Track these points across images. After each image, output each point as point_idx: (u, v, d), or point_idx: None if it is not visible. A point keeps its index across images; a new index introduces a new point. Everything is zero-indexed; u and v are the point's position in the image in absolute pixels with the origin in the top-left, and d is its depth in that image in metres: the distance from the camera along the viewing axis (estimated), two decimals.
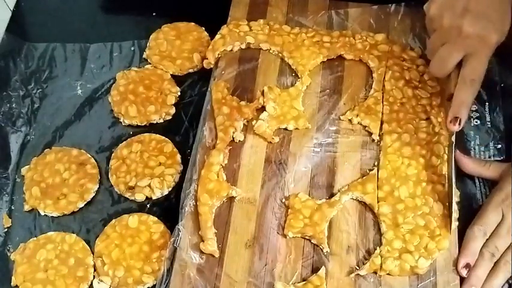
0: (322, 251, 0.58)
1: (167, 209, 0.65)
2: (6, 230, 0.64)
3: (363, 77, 0.69)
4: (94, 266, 0.61)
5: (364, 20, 0.73)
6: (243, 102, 0.67)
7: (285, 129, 0.65)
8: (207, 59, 0.70)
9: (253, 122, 0.65)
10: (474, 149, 0.66)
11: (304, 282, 0.57)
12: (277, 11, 0.74)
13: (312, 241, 0.59)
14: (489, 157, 0.65)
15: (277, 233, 0.59)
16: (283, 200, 0.61)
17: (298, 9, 0.74)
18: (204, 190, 0.61)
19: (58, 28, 0.80)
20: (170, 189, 0.66)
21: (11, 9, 0.81)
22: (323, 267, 0.57)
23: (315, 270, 0.57)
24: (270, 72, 0.69)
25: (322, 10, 0.74)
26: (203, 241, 0.58)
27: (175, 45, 0.75)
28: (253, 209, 0.61)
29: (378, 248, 0.58)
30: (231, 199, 0.61)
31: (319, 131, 0.65)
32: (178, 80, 0.73)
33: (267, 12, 0.74)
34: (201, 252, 0.58)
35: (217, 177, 0.62)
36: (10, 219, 0.65)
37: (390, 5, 0.74)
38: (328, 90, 0.68)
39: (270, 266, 0.58)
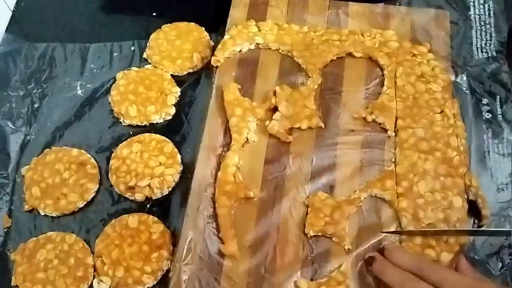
0: (344, 247, 0.58)
1: (167, 209, 0.65)
2: (6, 230, 0.65)
3: (372, 74, 0.69)
4: (94, 266, 0.61)
5: (364, 18, 0.73)
6: (255, 103, 0.67)
7: (299, 128, 0.65)
8: (216, 56, 0.70)
9: (267, 123, 0.65)
10: (488, 142, 0.66)
11: (326, 278, 0.57)
12: (277, 11, 0.74)
13: (333, 239, 0.59)
14: (503, 152, 0.65)
15: (296, 231, 0.60)
16: (302, 200, 0.61)
17: (299, 9, 0.74)
18: (222, 192, 0.61)
19: (58, 28, 0.80)
20: (170, 189, 0.66)
21: (11, 9, 0.81)
22: (345, 263, 0.58)
23: (336, 267, 0.58)
24: (271, 72, 0.69)
25: (323, 10, 0.74)
26: (223, 243, 0.58)
27: (175, 45, 0.75)
28: (253, 208, 0.61)
29: (399, 244, 0.58)
30: None
31: (330, 129, 0.65)
32: (178, 80, 0.73)
33: (267, 12, 0.74)
34: (220, 254, 0.58)
35: (234, 178, 0.62)
36: (10, 219, 0.65)
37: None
38: (338, 89, 0.68)
39: (287, 265, 0.58)
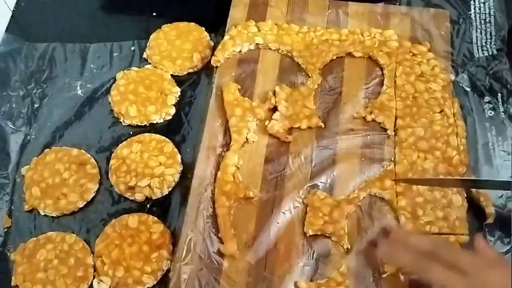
0: (343, 247, 0.58)
1: (167, 209, 0.65)
2: (6, 230, 0.65)
3: (372, 73, 0.69)
4: (94, 266, 0.61)
5: (364, 18, 0.73)
6: (254, 103, 0.67)
7: (298, 128, 0.65)
8: (216, 56, 0.70)
9: (266, 123, 0.65)
10: (492, 140, 0.66)
11: (326, 279, 0.57)
12: (277, 11, 0.74)
13: (332, 238, 0.59)
14: (508, 148, 0.65)
15: (295, 231, 0.60)
16: (301, 200, 0.61)
17: (299, 9, 0.74)
18: (221, 192, 0.61)
19: (58, 28, 0.80)
20: (170, 189, 0.65)
21: (11, 9, 0.81)
22: (344, 263, 0.58)
23: (335, 267, 0.58)
24: (270, 72, 0.69)
25: (323, 10, 0.74)
26: (223, 243, 0.58)
27: (175, 45, 0.75)
28: (253, 208, 0.61)
29: None
30: None
31: (330, 129, 0.65)
32: (178, 80, 0.73)
33: (267, 13, 0.74)
34: (220, 254, 0.58)
35: (234, 178, 0.62)
36: (10, 219, 0.65)
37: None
38: (338, 88, 0.68)
39: (286, 265, 0.58)
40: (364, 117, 0.66)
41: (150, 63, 0.74)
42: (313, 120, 0.65)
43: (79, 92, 0.74)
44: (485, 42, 0.73)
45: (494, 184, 0.61)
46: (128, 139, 0.68)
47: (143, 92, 0.71)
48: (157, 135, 0.69)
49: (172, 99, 0.71)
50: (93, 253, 0.62)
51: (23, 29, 0.79)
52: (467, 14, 0.75)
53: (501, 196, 0.62)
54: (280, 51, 0.71)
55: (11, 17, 0.80)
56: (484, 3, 0.75)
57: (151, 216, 0.63)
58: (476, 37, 0.73)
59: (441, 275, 0.51)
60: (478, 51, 0.72)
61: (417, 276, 0.54)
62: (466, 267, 0.51)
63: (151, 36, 0.76)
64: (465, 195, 0.61)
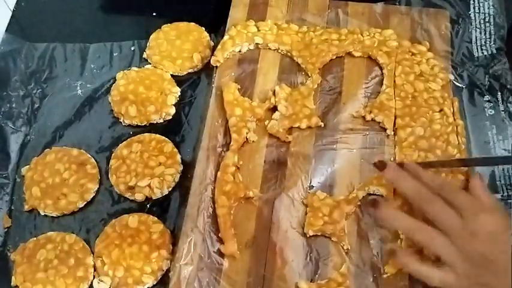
0: (343, 248, 0.58)
1: (167, 209, 0.65)
2: (6, 230, 0.65)
3: (371, 73, 0.69)
4: (94, 266, 0.61)
5: (364, 18, 0.73)
6: (254, 103, 0.67)
7: (298, 127, 0.65)
8: (215, 56, 0.70)
9: (266, 122, 0.65)
10: (493, 139, 0.66)
11: (326, 280, 0.57)
12: (277, 11, 0.74)
13: (332, 239, 0.59)
14: (509, 147, 0.66)
15: (295, 232, 0.60)
16: (301, 200, 0.61)
17: (299, 9, 0.74)
18: (221, 192, 0.61)
19: (58, 28, 0.80)
20: (170, 189, 0.66)
21: (11, 9, 0.81)
22: (345, 264, 0.58)
23: (336, 268, 0.58)
24: (270, 72, 0.69)
25: (322, 10, 0.74)
26: (223, 243, 0.58)
27: (175, 45, 0.75)
28: (253, 208, 0.61)
29: (400, 243, 0.58)
30: None
31: (330, 128, 0.65)
32: (178, 80, 0.73)
33: (267, 13, 0.74)
34: (220, 254, 0.58)
35: (234, 178, 0.62)
36: (10, 219, 0.65)
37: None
38: (337, 88, 0.68)
39: (286, 266, 0.58)
40: (363, 117, 0.66)
41: (150, 63, 0.74)
42: (313, 120, 0.65)
43: (79, 92, 0.74)
44: (485, 42, 0.73)
45: (495, 161, 0.62)
46: (128, 139, 0.68)
47: (143, 92, 0.71)
48: (157, 135, 0.69)
49: (172, 99, 0.71)
50: (93, 253, 0.62)
51: (23, 29, 0.79)
52: (467, 13, 0.75)
53: (500, 199, 0.63)
54: (279, 51, 0.71)
55: (11, 17, 0.80)
56: (483, 2, 0.75)
57: (151, 216, 0.63)
58: (476, 37, 0.73)
59: (439, 210, 0.53)
60: (477, 51, 0.72)
61: (416, 206, 0.55)
62: (462, 207, 0.53)
63: (151, 36, 0.76)
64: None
